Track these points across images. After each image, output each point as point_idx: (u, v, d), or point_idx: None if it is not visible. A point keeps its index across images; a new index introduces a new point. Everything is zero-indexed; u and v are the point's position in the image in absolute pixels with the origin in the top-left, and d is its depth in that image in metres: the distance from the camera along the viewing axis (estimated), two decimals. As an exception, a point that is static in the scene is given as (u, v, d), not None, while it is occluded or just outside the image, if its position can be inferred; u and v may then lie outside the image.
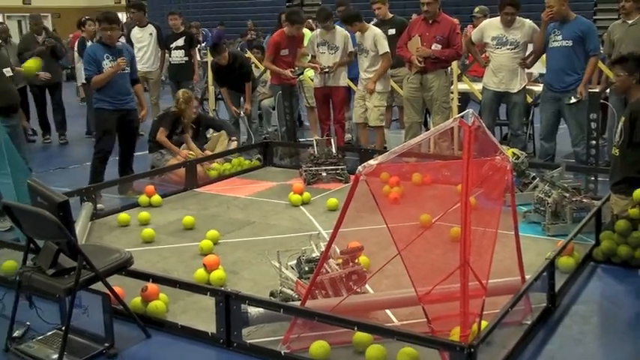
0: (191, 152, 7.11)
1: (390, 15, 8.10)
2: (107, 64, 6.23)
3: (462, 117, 2.99)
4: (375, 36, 7.28)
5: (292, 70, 7.91)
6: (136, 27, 9.74)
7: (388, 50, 7.27)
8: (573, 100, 6.30)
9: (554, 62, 6.50)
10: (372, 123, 7.44)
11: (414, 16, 10.20)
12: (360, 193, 3.00)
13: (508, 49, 6.82)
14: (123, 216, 5.62)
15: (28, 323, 3.63)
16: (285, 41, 7.89)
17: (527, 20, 6.89)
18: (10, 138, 5.07)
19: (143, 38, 9.54)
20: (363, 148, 7.46)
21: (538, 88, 7.91)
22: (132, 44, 9.63)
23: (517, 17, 6.77)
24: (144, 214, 5.64)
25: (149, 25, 9.67)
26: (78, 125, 10.30)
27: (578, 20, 6.46)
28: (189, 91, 7.62)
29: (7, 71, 5.92)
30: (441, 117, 6.94)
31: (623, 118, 4.65)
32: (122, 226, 5.52)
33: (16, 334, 3.54)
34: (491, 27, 6.94)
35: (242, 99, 8.47)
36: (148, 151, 7.32)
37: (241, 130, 8.48)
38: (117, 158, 6.64)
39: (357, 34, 7.44)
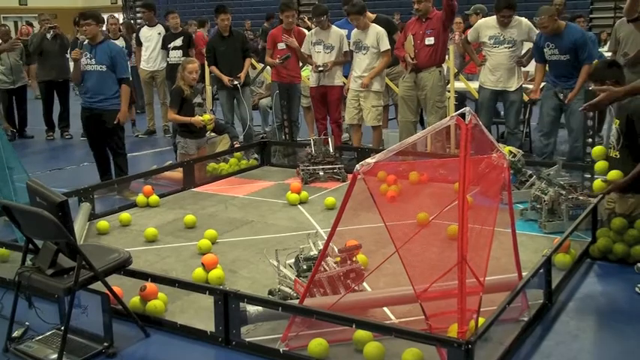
0: (202, 117, 6.98)
1: (373, 15, 8.11)
2: (84, 61, 6.27)
3: (459, 115, 3.00)
4: (377, 33, 7.28)
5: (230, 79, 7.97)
6: (145, 26, 9.81)
7: (389, 48, 7.29)
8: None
9: (556, 71, 6.65)
10: (369, 123, 7.44)
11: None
12: (357, 192, 3.02)
13: (505, 47, 6.85)
14: (124, 216, 5.63)
15: (27, 323, 3.64)
16: (281, 35, 7.92)
17: (524, 19, 6.92)
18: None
19: (151, 37, 9.60)
20: (360, 147, 7.47)
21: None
22: (141, 44, 9.70)
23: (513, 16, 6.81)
24: (125, 215, 5.64)
25: (158, 24, 9.74)
26: (74, 127, 10.34)
27: (570, 30, 6.50)
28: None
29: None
30: (435, 116, 6.95)
31: (617, 121, 4.65)
32: (122, 226, 5.53)
33: (15, 334, 3.55)
34: (487, 26, 6.97)
35: (235, 100, 8.39)
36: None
37: (239, 131, 8.49)
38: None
39: (355, 31, 7.44)
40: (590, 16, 15.95)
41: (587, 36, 6.66)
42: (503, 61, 6.89)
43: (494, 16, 6.91)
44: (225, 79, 8.11)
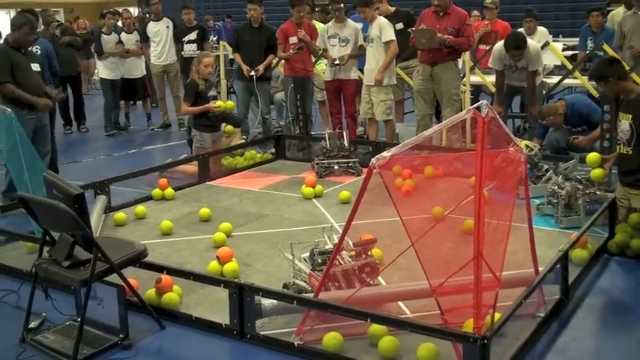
0: (216, 104, 6.85)
1: (392, 9, 8.08)
2: None
3: (476, 108, 2.98)
4: (380, 24, 7.23)
5: (249, 69, 7.93)
6: (151, 22, 9.80)
7: (393, 38, 7.20)
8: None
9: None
10: (379, 117, 7.40)
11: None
12: (373, 186, 3.01)
13: (520, 71, 6.97)
14: (139, 208, 5.65)
15: (44, 314, 3.66)
16: (292, 29, 7.90)
17: (531, 47, 6.84)
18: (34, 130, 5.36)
19: (160, 32, 9.61)
20: (375, 141, 7.45)
21: (552, 80, 7.89)
22: (147, 39, 9.72)
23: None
24: (140, 208, 5.67)
25: (164, 18, 9.73)
26: (92, 119, 10.41)
27: (575, 108, 6.68)
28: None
29: (36, 67, 6.03)
30: (451, 110, 6.93)
31: (628, 116, 4.59)
32: (137, 219, 5.55)
33: (32, 325, 3.58)
34: (505, 55, 6.93)
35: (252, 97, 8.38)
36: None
37: (252, 124, 8.49)
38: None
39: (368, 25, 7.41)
40: (608, 8, 15.77)
41: (589, 105, 6.81)
42: (521, 78, 7.01)
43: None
44: (245, 68, 8.06)
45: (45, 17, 10.03)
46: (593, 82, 6.89)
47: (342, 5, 7.55)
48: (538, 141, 6.67)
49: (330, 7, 7.76)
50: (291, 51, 7.83)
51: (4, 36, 9.03)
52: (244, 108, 8.41)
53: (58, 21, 10.75)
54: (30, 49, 6.21)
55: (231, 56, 9.56)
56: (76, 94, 10.02)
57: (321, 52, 7.86)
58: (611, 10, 10.42)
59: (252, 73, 7.98)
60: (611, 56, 5.57)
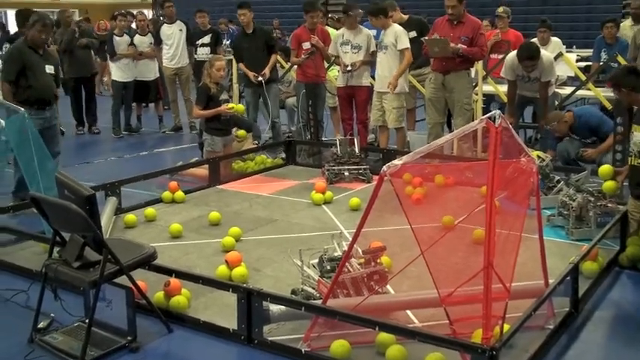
0: (228, 106, 6.87)
1: (406, 17, 8.08)
2: None
3: (489, 118, 2.97)
4: (396, 32, 7.25)
5: (255, 75, 7.94)
6: (165, 24, 9.85)
7: (408, 46, 7.23)
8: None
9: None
10: (391, 125, 7.40)
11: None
12: (383, 193, 3.00)
13: (533, 82, 6.96)
14: (149, 211, 5.66)
15: (52, 315, 3.68)
16: (305, 34, 7.93)
17: (544, 58, 6.82)
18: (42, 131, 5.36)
19: (173, 35, 9.65)
20: (386, 148, 7.44)
21: (565, 91, 7.86)
22: (161, 42, 9.76)
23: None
24: (150, 210, 5.68)
25: (178, 21, 9.78)
26: (105, 120, 10.47)
27: (583, 120, 6.61)
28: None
29: (50, 69, 6.09)
30: (462, 119, 6.92)
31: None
32: (147, 221, 5.57)
33: (40, 325, 3.60)
34: (517, 65, 6.92)
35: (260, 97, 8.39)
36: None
37: (263, 129, 8.50)
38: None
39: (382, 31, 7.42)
40: (622, 19, 15.72)
41: (599, 117, 6.75)
42: (533, 88, 6.99)
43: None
44: (251, 74, 8.07)
45: (64, 18, 10.12)
46: (606, 94, 6.90)
47: (360, 11, 7.56)
48: (552, 153, 6.64)
49: (346, 13, 7.70)
50: (303, 56, 7.85)
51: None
52: (254, 113, 8.43)
53: (79, 21, 10.79)
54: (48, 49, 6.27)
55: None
56: (89, 96, 10.08)
57: (333, 59, 7.87)
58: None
59: (260, 78, 8.00)
60: (632, 66, 5.51)
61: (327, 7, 19.56)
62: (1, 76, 6.06)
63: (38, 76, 5.92)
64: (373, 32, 7.68)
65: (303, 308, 3.40)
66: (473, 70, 7.44)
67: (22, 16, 7.03)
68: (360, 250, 3.73)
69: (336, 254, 3.85)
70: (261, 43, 8.18)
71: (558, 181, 5.70)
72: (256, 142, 7.88)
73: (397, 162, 2.97)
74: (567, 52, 9.35)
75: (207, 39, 9.54)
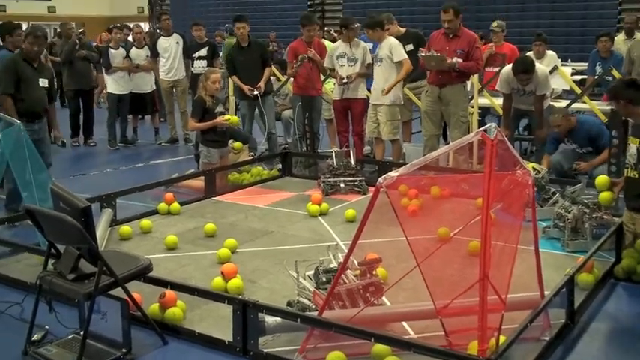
0: (224, 118, 6.83)
1: (403, 30, 8.13)
2: None
3: (484, 131, 2.98)
4: (391, 45, 7.27)
5: (250, 88, 7.95)
6: (162, 37, 9.88)
7: (406, 56, 7.26)
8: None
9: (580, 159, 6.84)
10: (385, 137, 7.42)
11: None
12: (379, 205, 3.00)
13: (528, 95, 6.98)
14: (145, 223, 5.65)
15: (47, 327, 3.66)
16: (302, 47, 7.96)
17: (538, 71, 6.85)
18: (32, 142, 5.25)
19: (170, 48, 9.69)
20: (382, 160, 7.45)
21: (561, 104, 7.90)
22: (157, 54, 9.79)
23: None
24: (145, 222, 5.68)
25: (174, 34, 9.82)
26: (101, 132, 10.46)
27: (583, 126, 6.68)
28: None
29: (44, 82, 6.08)
30: (458, 131, 6.94)
31: (636, 140, 4.60)
32: (142, 233, 5.55)
33: (35, 337, 3.57)
34: (513, 79, 6.95)
35: (256, 109, 8.40)
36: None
37: (259, 141, 8.51)
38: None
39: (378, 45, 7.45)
40: (617, 33, 15.83)
41: (600, 127, 6.81)
42: (528, 101, 7.03)
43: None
44: (246, 88, 8.08)
45: (65, 30, 10.17)
46: (601, 107, 6.93)
47: (357, 25, 7.60)
48: (548, 159, 6.65)
49: (347, 27, 7.66)
50: (295, 65, 7.86)
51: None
52: (250, 124, 8.45)
53: (80, 33, 10.79)
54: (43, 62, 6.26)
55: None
56: (86, 108, 10.07)
57: (329, 72, 7.90)
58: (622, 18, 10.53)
59: (255, 92, 8.01)
60: (630, 79, 5.53)
61: (324, 20, 19.66)
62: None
63: (30, 90, 5.92)
64: (369, 46, 7.72)
65: (298, 320, 3.39)
66: (469, 83, 7.48)
67: (4, 29, 7.01)
68: (355, 262, 3.72)
69: (331, 266, 3.85)
70: (257, 56, 8.21)
71: (554, 193, 5.72)
72: (252, 154, 7.91)
73: (393, 174, 2.98)
74: (562, 65, 9.42)
75: (203, 52, 9.57)
